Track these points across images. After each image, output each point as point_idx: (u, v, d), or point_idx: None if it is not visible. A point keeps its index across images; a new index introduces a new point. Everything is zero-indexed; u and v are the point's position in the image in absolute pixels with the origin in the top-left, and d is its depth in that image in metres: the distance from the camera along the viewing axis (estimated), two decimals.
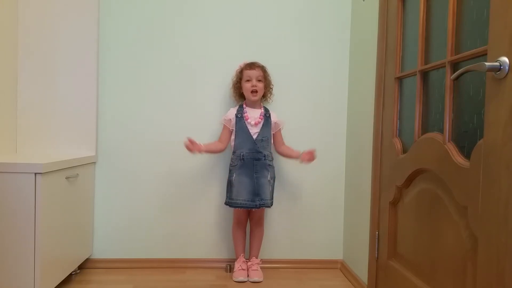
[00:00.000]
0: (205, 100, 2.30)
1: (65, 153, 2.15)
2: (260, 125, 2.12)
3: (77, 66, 2.16)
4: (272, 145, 2.19)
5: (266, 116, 2.15)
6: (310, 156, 2.08)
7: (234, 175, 2.10)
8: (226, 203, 2.13)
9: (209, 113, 2.29)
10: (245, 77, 2.12)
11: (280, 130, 2.19)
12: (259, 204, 2.06)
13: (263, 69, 2.15)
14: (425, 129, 1.48)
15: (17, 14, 2.11)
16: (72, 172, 1.92)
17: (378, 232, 1.82)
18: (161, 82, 2.27)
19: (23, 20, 2.12)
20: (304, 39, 2.33)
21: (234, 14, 2.29)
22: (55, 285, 1.80)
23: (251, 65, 2.14)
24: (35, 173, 1.61)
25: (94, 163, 2.23)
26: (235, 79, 2.18)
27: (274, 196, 2.18)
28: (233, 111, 2.15)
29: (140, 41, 2.25)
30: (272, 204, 2.14)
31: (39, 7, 2.13)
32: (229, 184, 2.13)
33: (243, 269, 2.13)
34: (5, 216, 1.61)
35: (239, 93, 2.18)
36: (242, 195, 2.06)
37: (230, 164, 2.16)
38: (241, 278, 2.09)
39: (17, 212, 1.61)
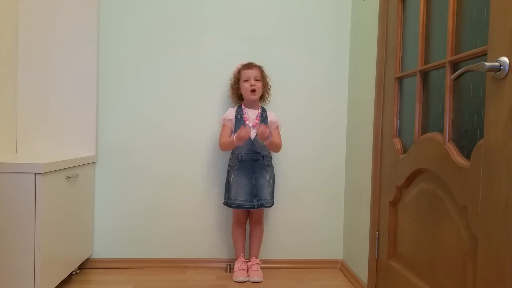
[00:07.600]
0: (205, 101, 2.30)
1: (65, 153, 2.15)
2: None
3: (77, 65, 2.16)
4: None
5: (263, 116, 2.15)
6: (262, 132, 1.99)
7: (232, 175, 2.10)
8: (225, 204, 2.14)
9: (209, 113, 2.29)
10: (243, 77, 2.12)
11: (276, 128, 2.17)
12: (258, 205, 2.07)
13: (260, 69, 2.16)
14: (425, 129, 1.47)
15: (17, 14, 2.11)
16: (72, 172, 1.92)
17: (378, 232, 1.82)
18: (161, 82, 2.27)
19: (23, 20, 2.12)
20: (304, 39, 2.33)
21: (233, 14, 2.29)
22: (55, 285, 1.80)
23: (249, 65, 2.14)
24: (35, 173, 1.61)
25: (94, 163, 2.23)
26: (232, 80, 2.19)
27: (274, 195, 2.19)
28: (232, 111, 2.15)
29: (140, 41, 2.25)
30: (273, 204, 2.14)
31: (39, 7, 2.13)
32: (228, 185, 2.13)
33: (243, 269, 2.13)
34: (5, 216, 1.61)
35: (237, 95, 2.18)
36: (241, 195, 2.06)
37: (229, 165, 2.16)
38: (241, 278, 2.09)
39: (17, 212, 1.61)
